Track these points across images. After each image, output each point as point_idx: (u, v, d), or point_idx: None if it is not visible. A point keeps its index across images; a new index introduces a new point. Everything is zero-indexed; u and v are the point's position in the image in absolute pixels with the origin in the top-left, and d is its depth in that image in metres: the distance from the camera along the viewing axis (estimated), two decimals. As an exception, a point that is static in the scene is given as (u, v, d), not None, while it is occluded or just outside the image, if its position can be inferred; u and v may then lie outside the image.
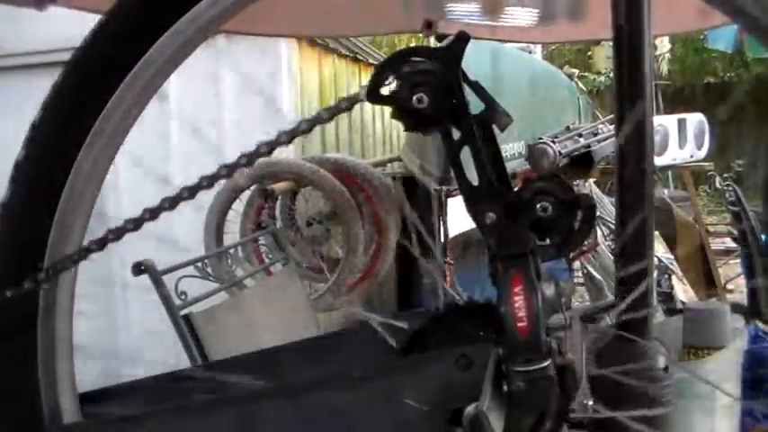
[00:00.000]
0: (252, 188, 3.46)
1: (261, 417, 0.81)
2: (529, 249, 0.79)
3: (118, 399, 0.99)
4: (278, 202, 3.66)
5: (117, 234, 0.82)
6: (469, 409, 0.75)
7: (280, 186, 3.43)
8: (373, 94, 0.80)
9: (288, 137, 0.82)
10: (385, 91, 0.80)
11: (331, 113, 0.82)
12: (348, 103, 0.81)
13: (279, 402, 0.83)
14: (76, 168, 0.82)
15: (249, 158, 0.82)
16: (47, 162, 0.84)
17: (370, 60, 5.46)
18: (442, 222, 3.42)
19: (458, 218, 3.41)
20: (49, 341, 0.85)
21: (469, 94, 0.80)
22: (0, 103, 4.73)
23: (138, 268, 2.30)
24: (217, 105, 4.17)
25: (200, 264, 2.71)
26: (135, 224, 0.82)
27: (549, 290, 0.79)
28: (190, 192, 0.82)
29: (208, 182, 0.82)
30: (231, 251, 3.11)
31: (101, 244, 0.82)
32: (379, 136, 5.79)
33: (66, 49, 3.53)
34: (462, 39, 0.79)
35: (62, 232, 0.82)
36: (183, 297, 2.41)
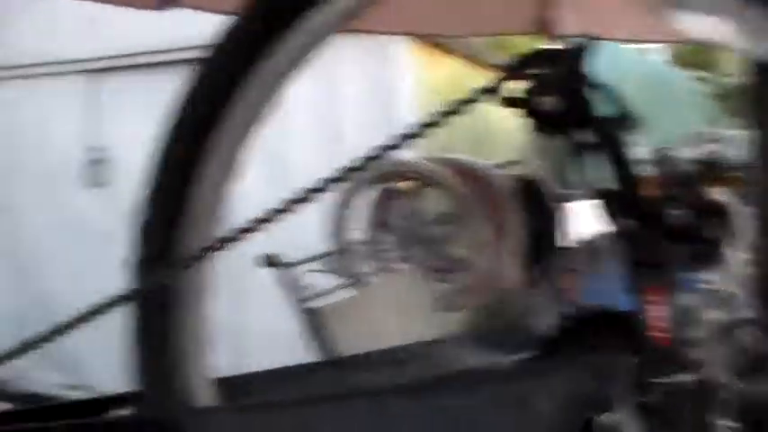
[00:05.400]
0: (377, 186, 3.48)
1: (390, 413, 0.82)
2: (666, 258, 0.77)
3: (246, 386, 1.02)
4: (402, 201, 3.68)
5: (247, 230, 0.84)
6: (602, 419, 0.74)
7: (404, 186, 3.45)
8: (500, 97, 0.79)
9: (409, 138, 0.83)
10: (512, 93, 0.79)
11: (453, 115, 0.82)
12: (471, 105, 0.81)
13: (407, 400, 0.83)
14: (209, 162, 0.85)
15: (370, 160, 0.83)
16: (181, 156, 0.87)
17: (490, 61, 5.43)
18: (563, 228, 3.36)
19: (581, 224, 3.34)
20: (187, 326, 0.88)
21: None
22: (129, 101, 4.95)
23: (266, 260, 2.36)
24: (336, 105, 4.22)
25: (325, 259, 2.75)
26: (263, 221, 0.84)
27: (687, 300, 0.77)
28: (313, 193, 0.84)
29: (331, 183, 0.84)
30: (356, 247, 3.13)
31: (227, 241, 0.85)
32: (501, 137, 5.76)
33: (189, 47, 3.65)
34: (588, 41, 0.78)
35: (196, 225, 0.86)
36: (309, 291, 2.46)
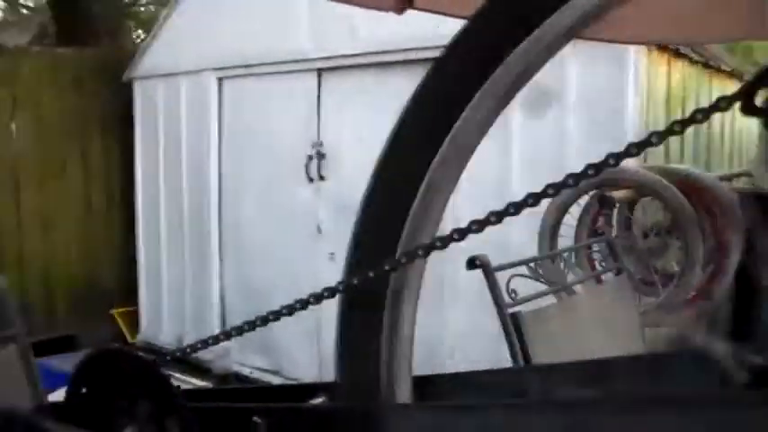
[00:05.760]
0: (590, 193, 3.40)
1: (588, 427, 0.80)
2: None
3: (441, 387, 1.03)
4: (615, 210, 3.56)
5: (461, 234, 0.85)
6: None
7: (619, 194, 3.32)
8: (746, 106, 0.75)
9: (637, 149, 0.80)
10: (759, 103, 0.75)
11: (685, 125, 0.78)
12: (704, 115, 0.78)
13: (607, 415, 0.81)
14: (436, 164, 0.85)
15: (596, 169, 0.81)
16: (409, 155, 0.88)
17: (723, 67, 5.17)
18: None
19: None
20: (394, 323, 0.90)
21: None
22: (350, 99, 5.12)
23: (473, 263, 2.36)
24: (560, 111, 4.15)
25: (532, 264, 2.73)
26: (479, 226, 0.85)
27: None
28: (534, 198, 0.83)
29: (553, 190, 0.83)
30: (564, 255, 3.09)
31: (446, 241, 0.86)
32: (726, 148, 5.48)
33: (418, 48, 3.77)
34: None
35: (416, 225, 0.87)
36: (512, 295, 2.45)
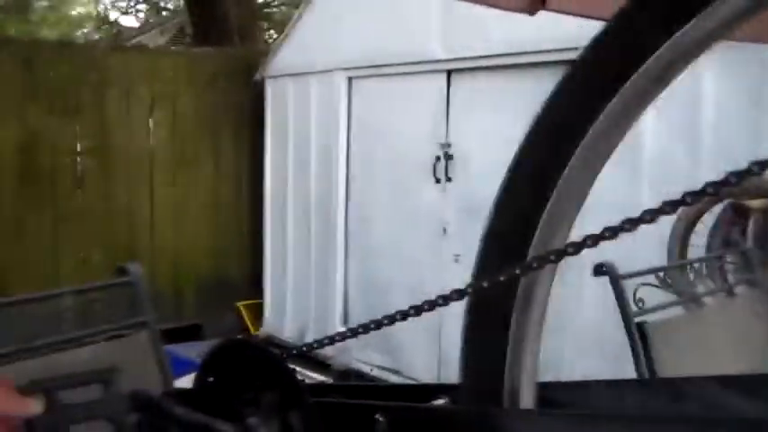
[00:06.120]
0: (724, 202, 3.28)
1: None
2: None
3: (567, 395, 1.01)
4: (751, 220, 3.44)
5: (595, 240, 0.83)
6: None
7: (756, 204, 3.21)
8: None
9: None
10: None
11: None
12: None
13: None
14: (571, 168, 0.84)
15: (739, 177, 0.77)
16: (543, 159, 0.86)
17: None
18: None
19: None
20: (522, 328, 0.89)
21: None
22: (478, 100, 5.10)
23: (600, 269, 2.32)
24: (697, 110, 4.01)
25: (660, 273, 2.66)
26: (612, 232, 0.82)
27: None
28: (671, 206, 0.80)
29: (692, 198, 0.79)
30: (695, 265, 2.99)
31: (578, 248, 0.84)
32: None
33: (549, 50, 3.74)
34: None
35: (548, 230, 0.85)
36: (639, 304, 2.39)
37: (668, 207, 0.78)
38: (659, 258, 3.25)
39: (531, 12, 1.67)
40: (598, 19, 0.87)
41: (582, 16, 1.61)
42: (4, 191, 6.15)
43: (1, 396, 0.89)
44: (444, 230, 5.49)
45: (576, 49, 0.85)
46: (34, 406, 0.90)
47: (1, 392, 0.89)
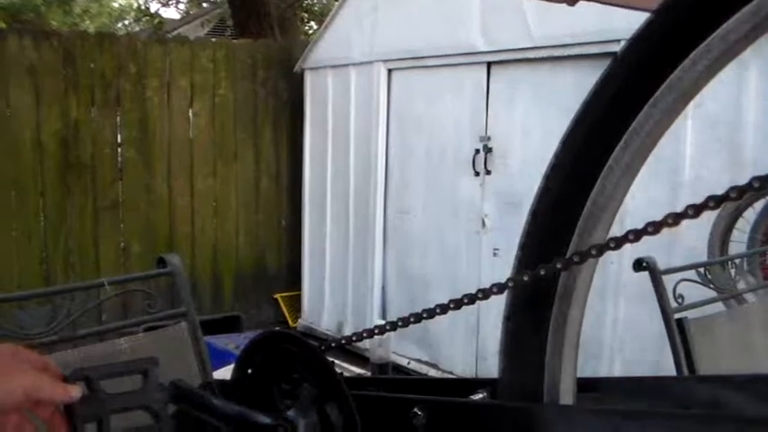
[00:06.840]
0: (766, 198, 3.24)
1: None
2: None
3: (607, 391, 1.00)
4: (794, 217, 3.37)
5: (636, 236, 0.82)
6: None
7: (801, 200, 3.16)
8: None
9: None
10: None
11: None
12: None
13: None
14: (611, 164, 0.83)
15: None
16: (584, 153, 0.86)
17: None
18: None
19: None
20: (561, 323, 0.89)
21: None
22: (518, 93, 5.06)
23: (640, 264, 2.29)
24: (737, 107, 3.94)
25: (701, 269, 2.63)
26: (655, 228, 0.82)
27: None
28: (716, 202, 0.79)
29: (737, 193, 0.78)
30: (736, 261, 2.96)
31: (619, 243, 0.83)
32: None
33: (590, 42, 3.70)
34: None
35: (589, 225, 0.85)
36: (679, 300, 2.37)
37: (712, 202, 0.77)
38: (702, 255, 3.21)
39: (571, 2, 1.65)
40: (636, 9, 0.86)
41: (620, 6, 1.60)
42: (47, 181, 6.23)
43: (47, 382, 0.91)
44: (483, 223, 5.47)
45: (617, 41, 0.84)
46: (76, 393, 0.91)
47: (47, 379, 0.91)
